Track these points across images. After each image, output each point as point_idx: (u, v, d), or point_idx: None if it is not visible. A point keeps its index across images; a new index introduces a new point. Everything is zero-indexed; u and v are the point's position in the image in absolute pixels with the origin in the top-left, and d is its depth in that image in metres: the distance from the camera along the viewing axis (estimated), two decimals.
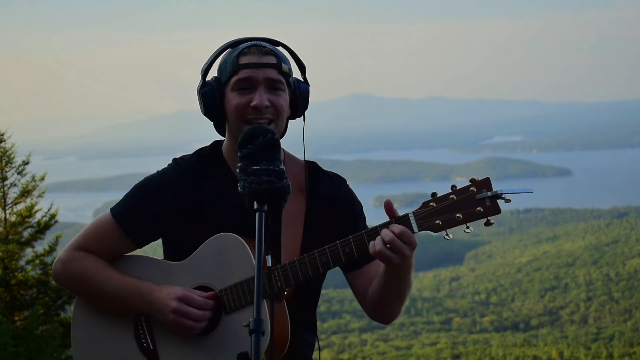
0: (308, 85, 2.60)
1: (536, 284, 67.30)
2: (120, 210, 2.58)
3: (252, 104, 2.45)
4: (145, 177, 2.61)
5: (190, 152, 2.68)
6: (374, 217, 2.74)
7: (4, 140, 8.66)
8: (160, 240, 2.68)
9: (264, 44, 2.50)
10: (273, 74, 2.46)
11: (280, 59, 2.50)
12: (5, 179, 8.65)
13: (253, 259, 2.43)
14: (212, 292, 2.49)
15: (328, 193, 2.62)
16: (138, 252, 2.68)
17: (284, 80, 2.49)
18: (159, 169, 2.63)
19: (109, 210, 2.59)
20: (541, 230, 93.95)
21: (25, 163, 8.90)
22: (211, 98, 2.51)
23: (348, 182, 2.72)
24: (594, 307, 60.90)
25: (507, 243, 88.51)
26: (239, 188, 2.17)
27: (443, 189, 2.39)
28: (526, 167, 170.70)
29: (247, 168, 2.17)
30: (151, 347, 2.58)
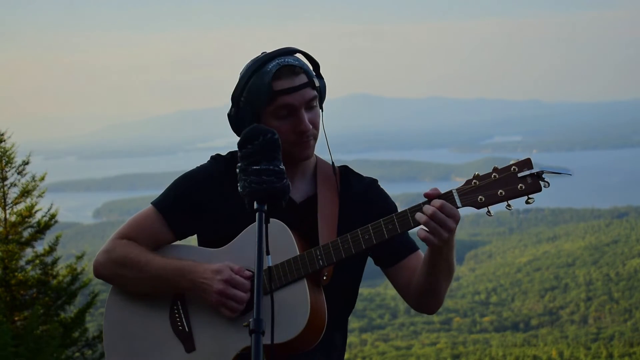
0: (324, 80, 2.64)
1: (536, 284, 67.32)
2: (162, 200, 2.67)
3: (297, 130, 2.52)
4: (186, 172, 2.71)
5: (225, 152, 2.76)
6: None
7: (4, 140, 8.68)
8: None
9: (291, 60, 2.53)
10: (309, 93, 2.53)
11: (308, 72, 2.55)
12: (5, 179, 8.67)
13: (294, 241, 2.51)
14: (251, 273, 2.53)
15: (360, 193, 2.68)
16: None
17: (316, 93, 2.56)
18: (199, 165, 2.72)
19: (149, 204, 2.70)
20: (541, 230, 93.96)
21: (25, 163, 8.91)
22: (246, 124, 2.55)
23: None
24: (594, 307, 60.91)
25: (507, 243, 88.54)
26: (238, 188, 2.19)
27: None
28: None
29: (247, 168, 2.18)
30: (187, 330, 2.61)
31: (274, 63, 2.51)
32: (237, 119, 2.58)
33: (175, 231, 2.67)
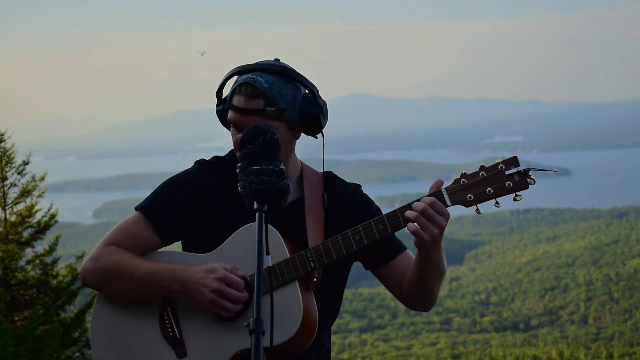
0: (319, 108, 2.57)
1: (536, 284, 67.28)
2: (147, 205, 2.66)
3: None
4: (170, 176, 2.70)
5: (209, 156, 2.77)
6: None
7: (4, 140, 8.66)
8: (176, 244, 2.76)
9: (258, 79, 2.49)
10: (257, 120, 2.48)
11: (270, 100, 2.49)
12: (5, 179, 8.65)
13: (283, 244, 2.51)
14: (243, 274, 2.52)
15: (345, 198, 2.69)
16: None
17: (271, 123, 2.50)
18: (184, 169, 2.72)
19: (134, 209, 2.68)
20: (541, 230, 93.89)
21: (25, 163, 8.90)
22: (223, 118, 2.65)
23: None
24: (594, 307, 60.88)
25: (507, 243, 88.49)
26: (239, 188, 2.19)
27: None
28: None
29: (247, 168, 2.18)
30: (177, 335, 2.59)
31: (244, 76, 2.52)
32: (216, 110, 2.65)
33: (161, 235, 2.65)
